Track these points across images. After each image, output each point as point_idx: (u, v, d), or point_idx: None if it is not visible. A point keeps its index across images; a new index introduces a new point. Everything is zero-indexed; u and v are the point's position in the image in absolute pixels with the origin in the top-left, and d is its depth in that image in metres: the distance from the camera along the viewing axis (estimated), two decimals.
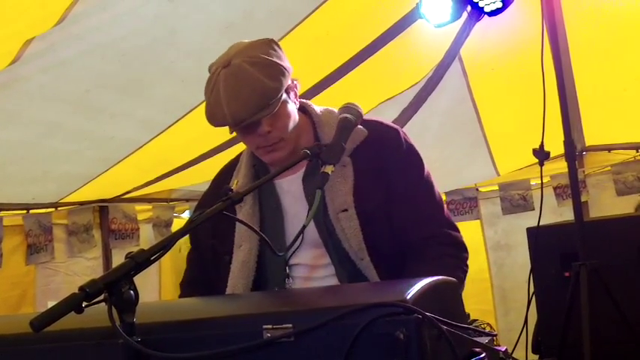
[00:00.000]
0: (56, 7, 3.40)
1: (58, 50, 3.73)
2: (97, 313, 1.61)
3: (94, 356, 1.67)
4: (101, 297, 1.61)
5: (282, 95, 2.34)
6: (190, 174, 5.91)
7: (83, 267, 6.21)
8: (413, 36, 5.01)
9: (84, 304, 1.59)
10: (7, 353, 1.78)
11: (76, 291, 1.60)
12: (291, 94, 2.43)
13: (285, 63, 2.39)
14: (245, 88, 2.29)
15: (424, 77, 5.69)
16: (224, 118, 2.33)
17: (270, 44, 2.39)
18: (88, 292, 1.59)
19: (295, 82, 2.45)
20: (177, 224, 6.93)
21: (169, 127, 4.93)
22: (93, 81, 4.22)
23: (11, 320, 2.32)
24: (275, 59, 2.35)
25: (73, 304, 1.59)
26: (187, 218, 6.95)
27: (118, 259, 6.37)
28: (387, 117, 4.85)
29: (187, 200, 7.04)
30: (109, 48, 3.93)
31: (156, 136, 5.05)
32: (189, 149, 5.52)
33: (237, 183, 2.54)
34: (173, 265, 6.52)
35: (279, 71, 2.34)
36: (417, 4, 4.64)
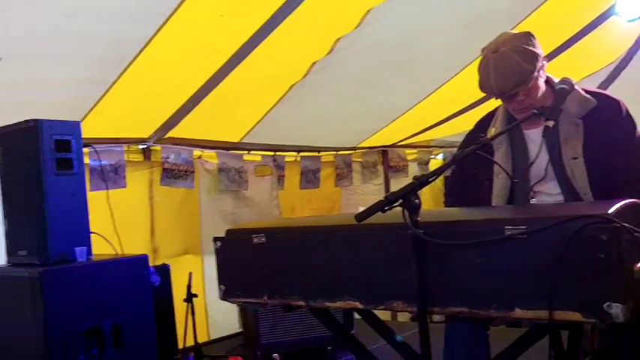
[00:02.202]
0: (356, 15, 3.56)
1: (355, 44, 3.85)
2: (395, 213, 1.66)
3: (392, 241, 1.74)
4: (397, 203, 1.66)
5: (534, 75, 2.26)
6: (442, 128, 5.89)
7: (371, 189, 6.38)
8: (608, 28, 4.65)
9: (386, 207, 1.66)
10: (339, 237, 1.88)
11: (381, 199, 1.66)
12: (541, 72, 2.32)
13: (539, 50, 2.28)
14: (508, 69, 2.23)
15: (618, 58, 5.26)
16: (492, 90, 2.29)
17: (528, 36, 2.30)
18: (389, 200, 1.65)
19: (544, 62, 2.33)
20: (433, 164, 6.96)
21: (427, 96, 4.94)
22: (375, 64, 4.29)
23: (337, 217, 2.49)
24: (531, 48, 2.26)
25: (380, 206, 1.65)
26: (440, 160, 6.99)
27: (394, 185, 6.52)
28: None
29: (441, 147, 7.01)
30: (385, 41, 4.01)
31: (418, 103, 5.07)
32: (440, 111, 5.50)
33: (494, 131, 2.46)
34: (430, 188, 6.53)
35: (535, 57, 2.25)
36: (613, 4, 4.30)
